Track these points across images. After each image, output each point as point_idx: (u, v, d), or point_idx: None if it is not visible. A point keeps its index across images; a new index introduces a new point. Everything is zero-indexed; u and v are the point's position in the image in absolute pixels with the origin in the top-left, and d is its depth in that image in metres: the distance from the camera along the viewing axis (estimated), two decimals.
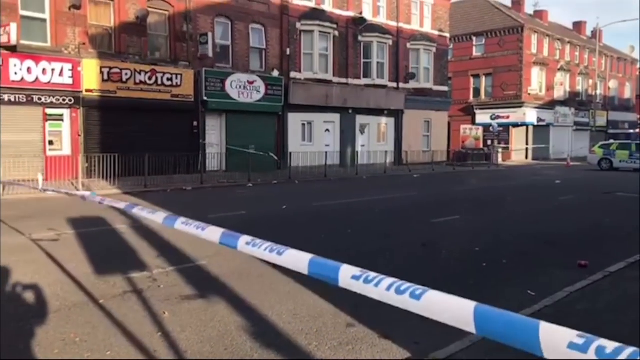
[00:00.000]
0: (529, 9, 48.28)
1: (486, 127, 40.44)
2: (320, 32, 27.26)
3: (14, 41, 17.30)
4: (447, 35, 35.65)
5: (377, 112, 30.77)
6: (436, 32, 34.13)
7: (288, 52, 26.14)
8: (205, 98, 22.82)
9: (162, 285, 6.30)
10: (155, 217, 3.47)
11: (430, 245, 9.07)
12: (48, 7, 18.97)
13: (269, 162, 23.84)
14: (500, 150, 38.64)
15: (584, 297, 6.04)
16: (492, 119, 41.47)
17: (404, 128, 32.31)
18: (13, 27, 17.27)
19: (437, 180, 24.13)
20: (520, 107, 41.23)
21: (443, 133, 35.90)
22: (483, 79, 43.59)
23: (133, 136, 20.11)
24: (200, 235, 2.86)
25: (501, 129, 40.60)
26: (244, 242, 2.49)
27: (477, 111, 43.38)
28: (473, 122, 42.80)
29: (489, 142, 39.86)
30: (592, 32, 54.58)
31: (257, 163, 22.47)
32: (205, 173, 20.48)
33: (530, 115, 41.68)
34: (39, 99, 18.59)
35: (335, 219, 12.07)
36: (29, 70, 18.21)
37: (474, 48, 43.98)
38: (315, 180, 22.43)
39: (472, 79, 44.24)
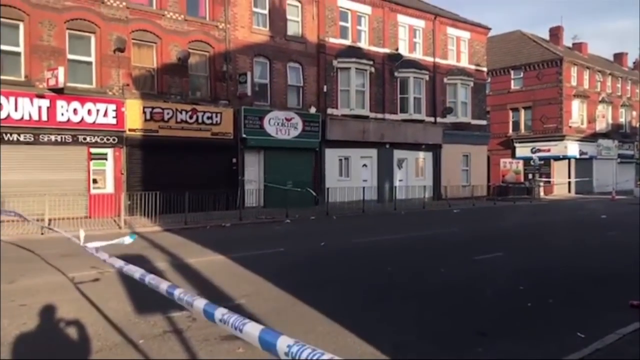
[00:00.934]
0: (567, 41, 47.86)
1: (527, 161, 39.76)
2: (356, 68, 27.53)
3: (61, 84, 17.99)
4: (485, 69, 35.52)
5: (415, 146, 30.65)
6: (473, 67, 34.07)
7: (325, 89, 26.43)
8: (244, 135, 23.17)
9: (201, 325, 6.28)
10: (195, 304, 3.44)
11: (473, 284, 8.84)
12: (94, 51, 19.73)
13: (307, 198, 23.87)
14: (542, 184, 37.87)
15: (638, 341, 5.75)
16: (532, 152, 40.80)
17: (443, 162, 32.05)
18: (61, 71, 17.98)
19: (478, 215, 23.72)
20: (562, 140, 40.49)
21: (482, 167, 35.44)
22: (522, 112, 43.11)
23: (174, 174, 20.47)
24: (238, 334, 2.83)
25: (542, 162, 39.87)
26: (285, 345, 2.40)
27: (516, 145, 42.79)
28: (513, 156, 42.18)
29: (530, 176, 39.11)
30: (633, 63, 53.65)
31: (294, 199, 22.54)
32: (244, 209, 20.62)
33: (572, 148, 40.86)
34: (84, 138, 19.18)
35: (375, 256, 11.92)
36: (75, 111, 18.85)
37: (512, 81, 43.66)
38: (353, 215, 22.32)
39: (511, 113, 43.79)
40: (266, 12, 24.64)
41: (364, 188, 24.72)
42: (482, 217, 22.89)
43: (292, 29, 25.67)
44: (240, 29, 23.52)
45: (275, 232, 16.76)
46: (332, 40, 26.95)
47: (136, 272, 4.33)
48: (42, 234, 14.35)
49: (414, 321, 6.74)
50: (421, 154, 31.34)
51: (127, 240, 6.36)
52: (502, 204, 30.23)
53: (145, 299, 7.41)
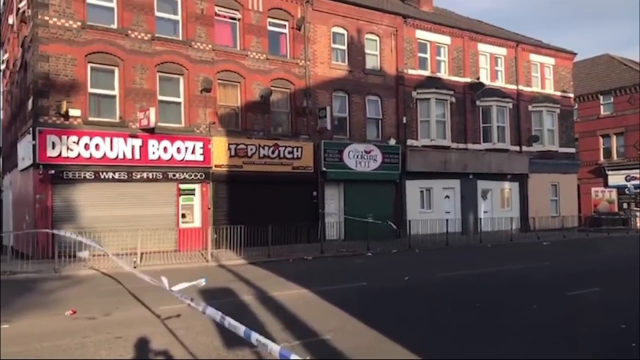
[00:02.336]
0: None
1: (620, 190, 37.51)
2: (436, 99, 27.27)
3: (152, 124, 18.97)
4: (571, 95, 34.21)
5: (500, 176, 29.76)
6: (559, 93, 32.90)
7: (404, 121, 26.33)
8: (324, 169, 23.40)
9: None
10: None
11: (570, 322, 8.35)
12: (182, 92, 20.72)
13: (387, 230, 23.61)
14: (638, 214, 35.55)
15: None
16: (626, 180, 38.41)
17: (530, 192, 30.86)
18: (152, 111, 18.99)
19: (569, 247, 22.54)
20: None
21: (572, 197, 33.80)
22: (614, 138, 40.90)
23: (257, 207, 20.90)
24: None
25: (638, 191, 37.46)
26: None
27: (608, 172, 40.51)
28: (605, 185, 39.92)
29: (625, 206, 36.85)
30: None
31: (375, 231, 22.35)
32: (325, 242, 20.67)
33: None
34: (174, 175, 20.04)
35: (461, 291, 11.55)
36: (165, 149, 19.78)
37: (602, 107, 41.62)
38: (436, 249, 21.81)
39: (601, 139, 41.67)
40: (345, 47, 25.03)
41: (447, 220, 24.14)
42: (574, 249, 21.73)
43: (371, 62, 25.88)
44: (320, 65, 24.00)
45: (357, 266, 16.64)
46: (410, 71, 26.92)
47: (216, 315, 4.50)
48: (134, 267, 14.97)
49: None
50: (506, 184, 30.36)
51: (202, 283, 7.37)
52: (595, 236, 28.61)
53: (233, 333, 7.52)
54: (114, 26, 19.33)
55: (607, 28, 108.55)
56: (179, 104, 20.70)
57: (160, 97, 20.21)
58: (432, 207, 27.14)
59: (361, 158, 24.57)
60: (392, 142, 25.86)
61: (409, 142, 26.43)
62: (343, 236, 23.55)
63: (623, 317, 8.50)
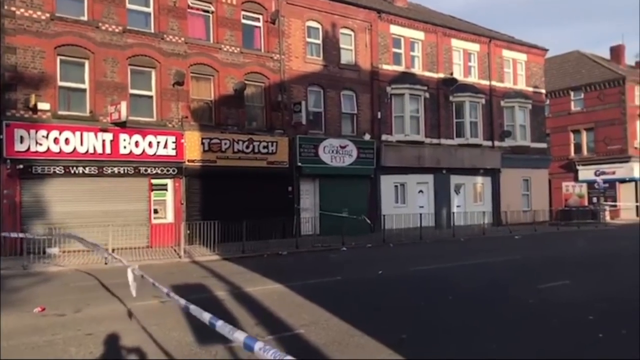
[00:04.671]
0: (629, 60, 46.13)
1: (590, 184, 38.29)
2: (410, 94, 27.40)
3: (123, 117, 18.66)
4: (543, 91, 34.71)
5: (472, 171, 30.08)
6: (531, 89, 33.35)
7: (379, 116, 26.40)
8: (299, 164, 23.34)
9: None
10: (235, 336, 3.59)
11: (540, 313, 8.46)
12: (154, 85, 20.44)
13: (362, 225, 23.67)
14: (607, 208, 36.28)
15: None
16: (596, 175, 39.21)
17: (502, 187, 31.26)
18: (123, 105, 18.67)
19: (540, 241, 22.88)
20: (627, 161, 38.81)
21: (544, 191, 34.35)
22: (584, 134, 41.68)
23: (231, 203, 20.75)
24: None
25: (607, 185, 38.23)
26: None
27: (579, 167, 41.29)
28: (576, 179, 40.72)
29: (595, 200, 37.59)
30: None
31: (350, 226, 22.39)
32: (300, 237, 20.63)
33: (638, 169, 39.08)
34: (145, 170, 19.76)
35: (434, 284, 11.63)
36: (136, 144, 19.49)
37: (573, 103, 42.38)
38: (410, 243, 21.95)
39: (572, 135, 42.44)
40: (319, 41, 24.97)
41: (420, 215, 24.33)
42: (545, 243, 22.07)
43: (345, 57, 25.88)
44: (295, 59, 23.91)
45: (332, 261, 16.66)
46: (385, 67, 26.99)
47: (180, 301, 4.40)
48: (105, 263, 14.74)
49: (477, 353, 6.48)
50: (479, 179, 30.70)
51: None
52: (565, 229, 29.10)
53: (207, 329, 7.43)
54: (84, 18, 18.96)
55: (579, 26, 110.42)
56: (150, 97, 20.41)
57: (131, 91, 19.90)
58: (406, 202, 27.31)
59: (336, 153, 24.57)
60: (367, 137, 25.92)
61: (384, 137, 26.51)
62: (318, 231, 23.54)
63: (591, 309, 8.65)
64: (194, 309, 4.34)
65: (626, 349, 6.55)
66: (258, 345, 3.26)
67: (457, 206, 29.19)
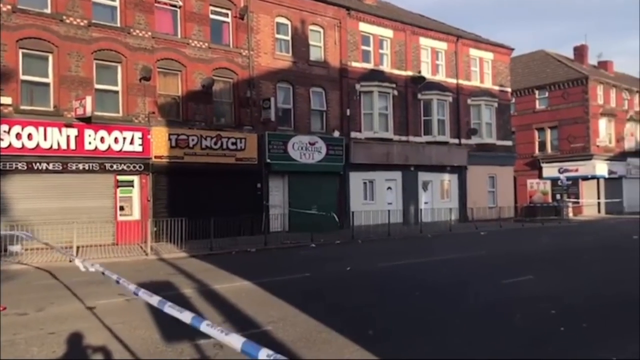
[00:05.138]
0: (592, 60, 47.35)
1: (554, 181, 39.12)
2: (379, 92, 27.57)
3: (89, 113, 18.29)
4: (509, 89, 35.29)
5: (440, 168, 30.44)
6: (497, 87, 33.88)
7: (348, 113, 26.48)
8: (268, 160, 23.26)
9: (228, 353, 6.20)
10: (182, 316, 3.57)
11: (503, 308, 8.63)
12: (120, 80, 20.11)
13: (331, 222, 23.74)
14: (570, 204, 37.15)
15: None
16: (560, 172, 40.13)
17: (468, 184, 31.72)
18: (88, 100, 18.30)
19: (506, 237, 23.31)
20: (589, 159, 39.81)
21: (509, 188, 34.98)
22: (548, 132, 42.58)
23: (199, 200, 20.58)
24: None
25: (570, 182, 39.17)
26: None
27: (543, 165, 42.19)
28: (540, 176, 41.55)
29: (558, 197, 38.44)
30: None
31: (319, 223, 22.44)
32: (269, 234, 20.58)
33: (600, 167, 40.14)
34: (111, 166, 19.43)
35: (402, 280, 11.75)
36: (102, 139, 19.14)
37: (537, 101, 43.25)
38: (378, 239, 22.11)
39: (536, 133, 43.30)
40: (289, 38, 24.90)
41: (389, 211, 24.51)
42: (510, 239, 22.48)
43: (315, 54, 25.87)
44: (263, 55, 23.79)
45: (301, 257, 16.68)
46: (354, 64, 27.09)
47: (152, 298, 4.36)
48: (70, 261, 14.44)
49: (443, 348, 6.58)
50: (446, 176, 31.09)
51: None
52: (530, 226, 29.70)
53: (173, 326, 7.37)
54: (48, 11, 18.51)
55: (544, 26, 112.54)
56: (116, 92, 20.06)
57: (97, 86, 19.53)
58: (374, 199, 27.48)
59: (305, 150, 24.57)
60: (336, 134, 25.99)
61: (353, 134, 26.62)
62: (287, 228, 23.52)
63: (554, 304, 8.86)
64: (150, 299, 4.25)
65: (586, 342, 6.73)
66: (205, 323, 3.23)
67: (425, 203, 29.51)
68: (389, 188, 28.41)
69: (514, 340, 6.86)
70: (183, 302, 9.18)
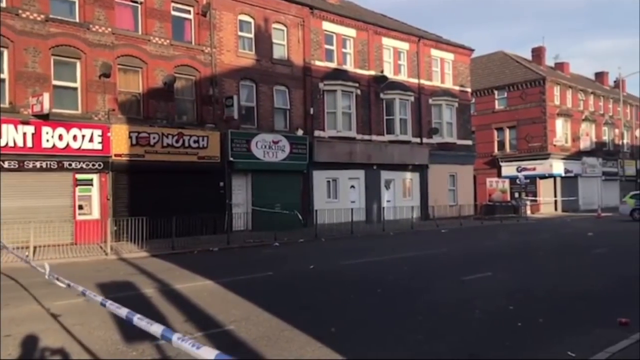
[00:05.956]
0: (549, 61, 48.65)
1: (513, 180, 40.01)
2: (342, 91, 27.72)
3: (46, 110, 17.87)
4: (469, 89, 35.93)
5: (402, 167, 30.80)
6: (457, 87, 34.45)
7: (312, 112, 26.54)
8: (231, 159, 23.13)
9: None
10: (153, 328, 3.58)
11: (463, 304, 8.82)
12: (79, 77, 19.70)
13: (295, 220, 23.79)
14: (528, 202, 38.08)
15: (627, 358, 5.75)
16: (518, 171, 41.13)
17: (430, 183, 32.19)
18: (46, 97, 17.87)
19: (465, 235, 23.74)
20: (547, 158, 40.89)
21: (469, 187, 35.64)
22: (507, 131, 43.55)
23: (161, 198, 20.33)
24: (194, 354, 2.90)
25: (528, 181, 40.19)
26: None
27: (502, 164, 43.13)
28: (499, 175, 42.45)
29: (517, 195, 39.35)
30: (614, 81, 54.52)
31: (283, 221, 22.45)
32: (232, 233, 20.48)
33: (557, 166, 41.28)
34: (70, 164, 19.03)
35: (364, 278, 11.87)
36: (60, 137, 18.73)
37: (497, 101, 44.17)
38: (341, 237, 22.25)
39: (496, 132, 44.23)
40: (252, 36, 24.81)
41: (352, 209, 24.71)
42: (470, 236, 22.90)
43: (278, 52, 25.84)
44: (226, 52, 23.64)
45: (264, 256, 16.65)
46: (318, 63, 27.16)
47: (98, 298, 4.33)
48: (26, 262, 14.08)
49: (405, 343, 6.69)
50: (408, 175, 31.47)
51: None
52: (489, 223, 30.30)
53: (133, 327, 7.29)
54: (3, 4, 18.00)
55: (503, 27, 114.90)
56: (75, 89, 19.66)
57: (55, 82, 19.10)
58: (338, 197, 27.63)
59: (269, 148, 24.52)
60: (300, 132, 26.02)
61: (316, 133, 26.70)
62: (251, 227, 23.44)
63: (511, 299, 9.10)
64: (113, 305, 4.25)
65: (542, 336, 6.94)
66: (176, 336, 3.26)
67: (387, 201, 29.82)
68: (352, 187, 28.61)
69: (473, 335, 7.03)
70: (144, 302, 9.11)
